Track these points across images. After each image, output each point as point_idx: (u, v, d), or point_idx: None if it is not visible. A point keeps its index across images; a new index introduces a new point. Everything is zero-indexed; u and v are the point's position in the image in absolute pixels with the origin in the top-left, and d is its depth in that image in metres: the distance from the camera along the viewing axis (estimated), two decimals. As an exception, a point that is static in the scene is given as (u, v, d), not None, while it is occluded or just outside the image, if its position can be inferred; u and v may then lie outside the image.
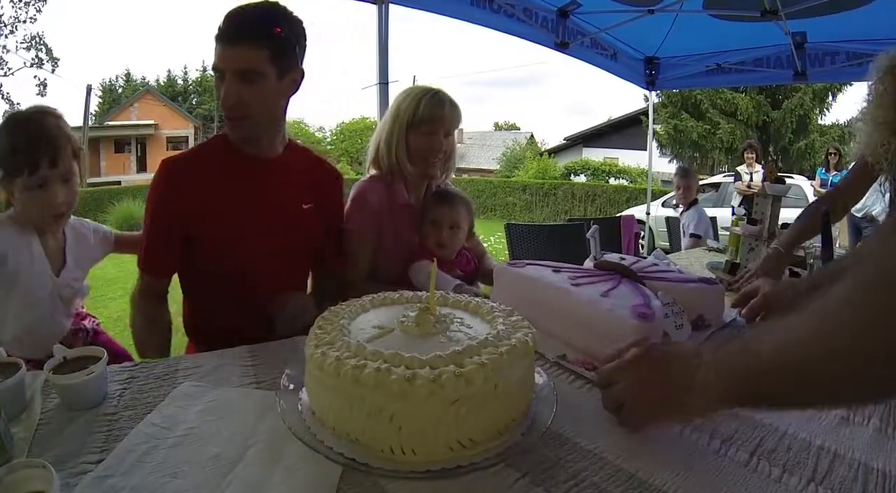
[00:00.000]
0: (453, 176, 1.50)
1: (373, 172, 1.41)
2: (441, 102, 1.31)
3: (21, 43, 14.89)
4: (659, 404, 0.57)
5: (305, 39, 1.09)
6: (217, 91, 1.04)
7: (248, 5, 1.01)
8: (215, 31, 0.99)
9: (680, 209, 3.60)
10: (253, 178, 1.10)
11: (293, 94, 1.11)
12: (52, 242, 1.08)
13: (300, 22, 1.07)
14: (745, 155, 5.68)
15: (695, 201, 3.44)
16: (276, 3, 1.03)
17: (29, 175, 0.98)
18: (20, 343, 1.00)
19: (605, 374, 0.63)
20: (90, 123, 20.97)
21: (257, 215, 1.09)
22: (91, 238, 1.18)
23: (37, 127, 1.00)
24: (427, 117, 1.30)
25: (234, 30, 0.98)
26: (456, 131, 1.40)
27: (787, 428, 0.62)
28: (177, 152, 1.20)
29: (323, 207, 1.20)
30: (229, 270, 1.09)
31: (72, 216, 1.11)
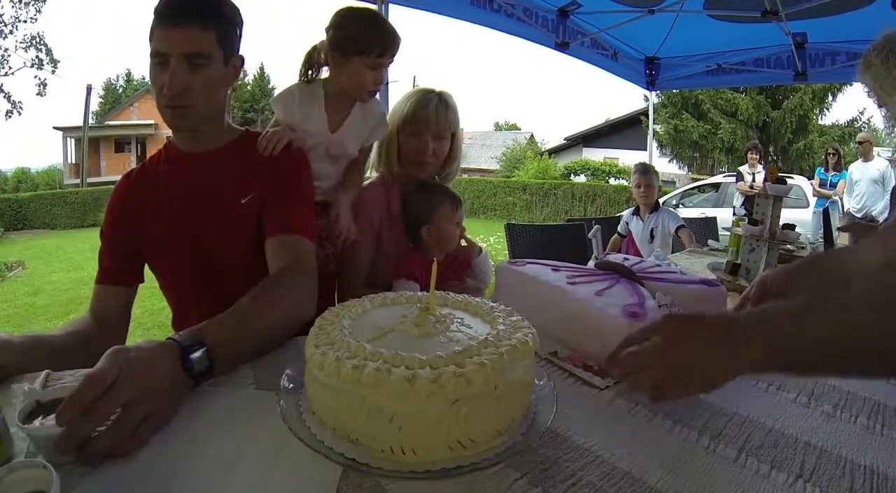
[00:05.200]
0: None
1: (375, 175, 1.41)
2: (426, 102, 1.28)
3: (21, 43, 14.91)
4: (697, 365, 0.55)
5: (243, 24, 1.03)
6: (156, 78, 0.94)
7: None
8: (157, 9, 0.91)
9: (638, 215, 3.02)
10: (193, 175, 1.04)
11: (234, 82, 1.07)
12: (338, 111, 1.25)
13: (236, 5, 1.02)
14: (749, 155, 5.67)
15: (657, 205, 2.99)
16: None
17: (377, 57, 1.17)
18: None
19: (630, 358, 0.59)
20: (90, 122, 21.01)
21: (201, 214, 1.02)
22: (371, 122, 1.30)
23: (386, 23, 1.22)
24: (412, 118, 1.29)
25: (181, 9, 0.91)
26: (458, 138, 1.37)
27: (774, 424, 0.63)
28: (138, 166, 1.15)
29: (268, 190, 1.02)
30: (193, 272, 1.05)
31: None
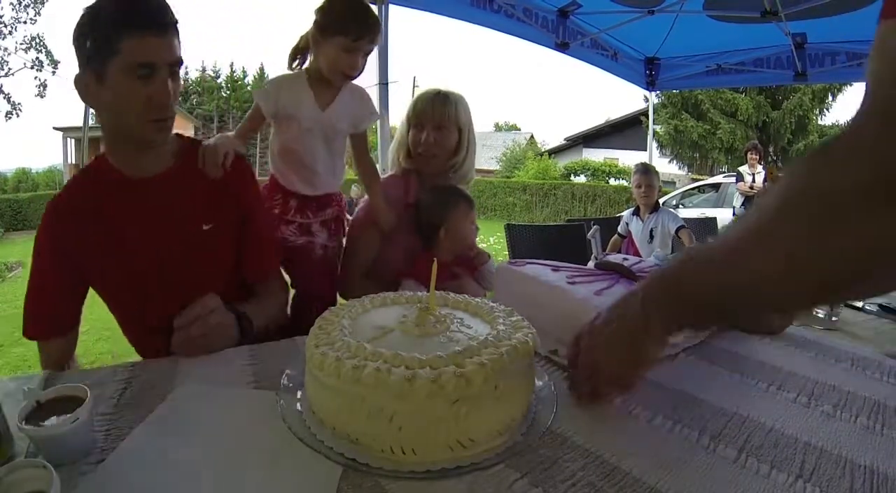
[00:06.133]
0: (475, 177, 1.52)
1: (391, 172, 1.48)
2: (425, 96, 1.37)
3: (21, 44, 14.92)
4: (622, 355, 0.60)
5: None
6: (138, 90, 0.87)
7: None
8: (121, 19, 0.83)
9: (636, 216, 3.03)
10: (145, 203, 0.97)
11: None
12: (325, 92, 1.26)
13: None
14: (749, 156, 5.67)
15: (657, 205, 2.98)
16: None
17: (353, 40, 1.17)
18: (288, 170, 1.28)
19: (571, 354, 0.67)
20: (90, 122, 20.99)
21: (162, 243, 0.98)
22: (360, 105, 1.32)
23: (368, 10, 1.22)
24: (413, 112, 1.38)
25: (161, 16, 0.87)
26: (467, 133, 1.42)
27: (774, 424, 0.62)
28: (59, 191, 1.00)
29: (234, 224, 1.05)
30: (141, 307, 0.99)
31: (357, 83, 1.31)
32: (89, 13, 0.86)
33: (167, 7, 0.88)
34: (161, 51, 0.87)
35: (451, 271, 1.34)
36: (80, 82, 0.90)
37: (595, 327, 0.63)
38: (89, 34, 0.85)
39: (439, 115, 1.35)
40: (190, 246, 1.00)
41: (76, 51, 0.88)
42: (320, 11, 1.20)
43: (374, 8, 2.45)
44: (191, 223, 1.00)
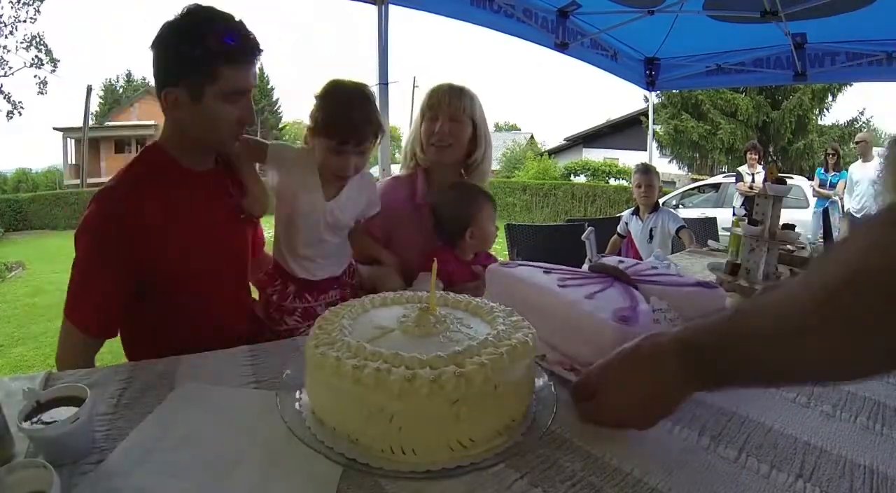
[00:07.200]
0: (490, 180, 1.50)
1: (399, 172, 1.50)
2: (439, 89, 1.38)
3: (21, 43, 14.93)
4: (638, 399, 0.57)
5: None
6: (229, 112, 0.98)
7: (237, 20, 0.96)
8: (223, 51, 0.92)
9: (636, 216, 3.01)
10: (212, 191, 1.08)
11: None
12: (333, 182, 1.18)
13: None
14: (749, 156, 5.68)
15: (657, 205, 2.97)
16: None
17: (337, 144, 1.10)
18: (287, 252, 1.20)
19: (582, 384, 0.64)
20: (90, 123, 20.99)
21: (228, 227, 1.11)
22: (368, 196, 1.26)
23: (363, 113, 1.11)
24: (427, 105, 1.39)
25: (256, 50, 0.98)
26: (483, 129, 1.42)
27: (773, 424, 0.63)
28: (109, 183, 0.99)
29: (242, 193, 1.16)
30: (186, 291, 1.01)
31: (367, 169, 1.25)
32: (191, 36, 0.91)
33: (257, 40, 0.99)
34: (249, 78, 0.99)
35: (472, 270, 1.33)
36: (169, 97, 0.95)
37: (621, 377, 0.59)
38: (189, 57, 0.92)
39: (454, 106, 1.35)
40: (238, 220, 1.13)
41: (163, 64, 0.95)
42: (317, 102, 1.12)
43: (374, 8, 2.46)
44: (236, 207, 1.12)
